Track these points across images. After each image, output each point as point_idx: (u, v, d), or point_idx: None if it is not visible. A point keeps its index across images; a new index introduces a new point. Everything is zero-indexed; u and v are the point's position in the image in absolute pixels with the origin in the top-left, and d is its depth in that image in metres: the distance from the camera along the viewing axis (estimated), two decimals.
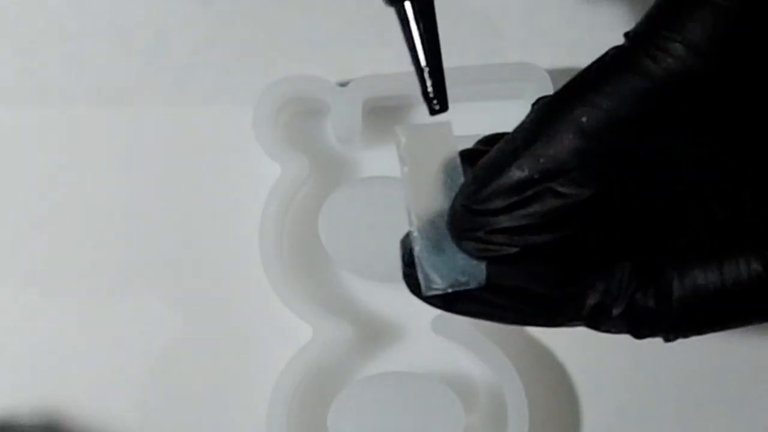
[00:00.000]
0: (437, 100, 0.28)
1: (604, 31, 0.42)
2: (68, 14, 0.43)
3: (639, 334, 0.28)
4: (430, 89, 0.28)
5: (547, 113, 0.26)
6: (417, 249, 0.27)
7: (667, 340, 0.28)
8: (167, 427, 0.41)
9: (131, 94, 0.42)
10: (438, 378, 0.40)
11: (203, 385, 0.41)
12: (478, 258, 0.27)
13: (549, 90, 0.40)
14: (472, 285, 0.27)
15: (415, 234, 0.27)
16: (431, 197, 0.28)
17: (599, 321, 0.28)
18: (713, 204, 0.27)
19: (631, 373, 0.42)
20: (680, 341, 0.29)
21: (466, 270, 0.27)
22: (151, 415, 0.41)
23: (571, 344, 0.42)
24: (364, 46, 0.43)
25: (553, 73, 0.40)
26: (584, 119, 0.25)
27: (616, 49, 0.25)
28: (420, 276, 0.27)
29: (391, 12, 0.44)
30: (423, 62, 0.28)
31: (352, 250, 0.40)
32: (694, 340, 0.29)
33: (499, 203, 0.26)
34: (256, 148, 0.41)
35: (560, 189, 0.25)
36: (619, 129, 0.25)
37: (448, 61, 0.42)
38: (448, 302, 0.28)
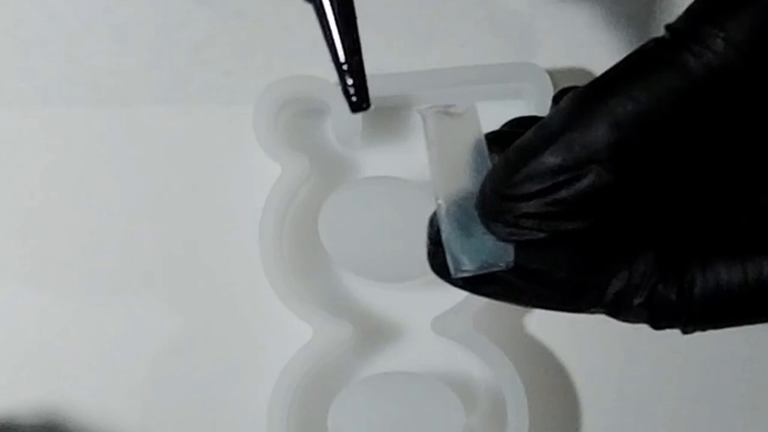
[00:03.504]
0: (357, 97, 0.27)
1: (604, 31, 0.42)
2: (68, 14, 0.43)
3: (657, 326, 0.28)
4: (350, 86, 0.27)
5: (583, 101, 0.26)
6: (444, 231, 0.27)
7: (685, 332, 0.28)
8: (167, 427, 0.41)
9: (131, 94, 0.42)
10: (438, 378, 0.40)
11: (203, 385, 0.41)
12: (507, 241, 0.27)
13: (549, 90, 0.40)
14: (501, 266, 0.27)
15: (443, 216, 0.27)
16: (458, 179, 0.27)
17: (619, 309, 0.28)
18: (739, 201, 0.27)
19: (631, 373, 0.42)
20: (684, 339, 0.29)
21: (494, 252, 0.27)
22: (151, 415, 0.41)
23: (571, 344, 0.42)
24: (364, 46, 0.42)
25: (553, 73, 0.40)
26: (620, 110, 0.25)
27: (656, 41, 0.25)
28: (448, 258, 0.27)
29: (390, 12, 0.44)
30: (342, 58, 0.28)
31: (352, 250, 0.40)
32: (695, 340, 0.29)
33: (530, 188, 0.26)
34: (256, 148, 0.41)
35: (592, 178, 0.25)
36: (653, 122, 0.25)
37: (448, 61, 0.42)
38: (471, 283, 0.28)
